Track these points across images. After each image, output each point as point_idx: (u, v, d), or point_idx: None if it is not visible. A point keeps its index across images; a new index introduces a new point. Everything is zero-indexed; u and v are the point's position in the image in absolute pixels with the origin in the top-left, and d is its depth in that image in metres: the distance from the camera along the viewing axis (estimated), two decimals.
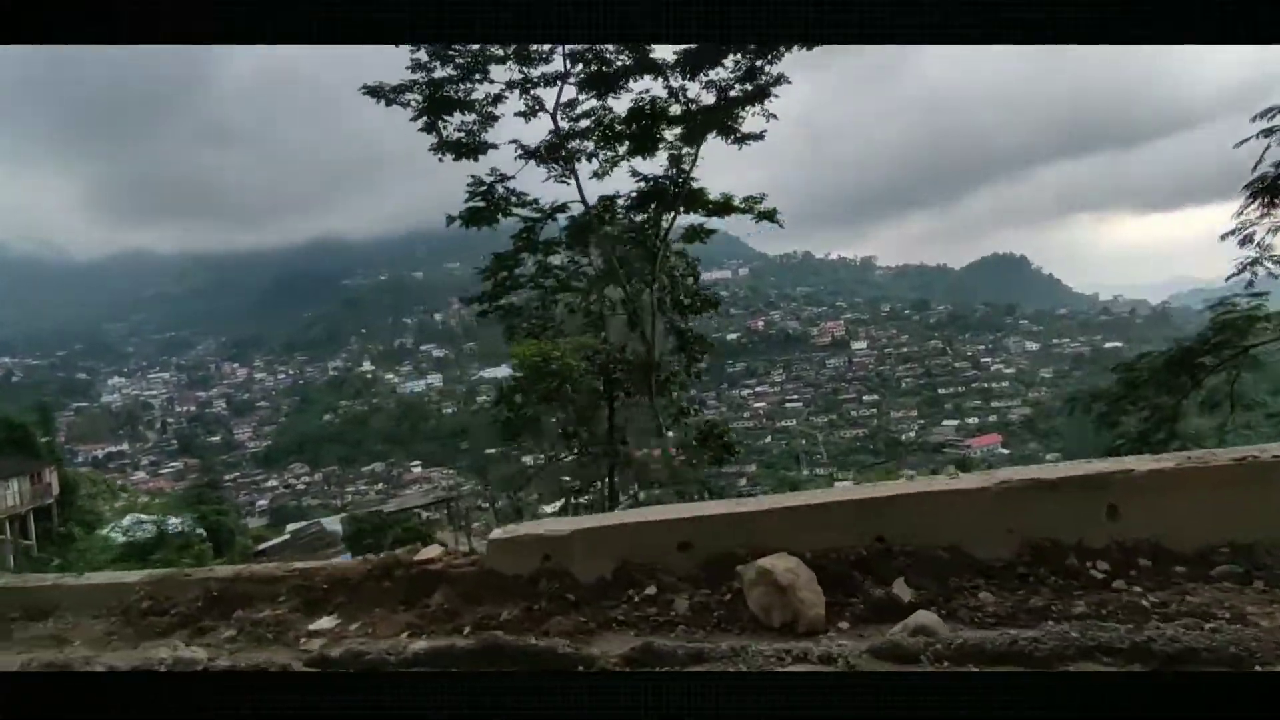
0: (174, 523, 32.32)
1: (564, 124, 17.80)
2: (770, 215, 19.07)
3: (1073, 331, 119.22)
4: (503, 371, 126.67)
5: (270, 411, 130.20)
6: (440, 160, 17.75)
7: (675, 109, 17.25)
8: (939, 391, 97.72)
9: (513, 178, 18.63)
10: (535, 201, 19.30)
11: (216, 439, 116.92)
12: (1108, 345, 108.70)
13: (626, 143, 17.98)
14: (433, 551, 3.85)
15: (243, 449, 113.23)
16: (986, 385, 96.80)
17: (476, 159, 17.88)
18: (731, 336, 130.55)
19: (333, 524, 36.80)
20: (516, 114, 17.64)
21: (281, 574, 3.84)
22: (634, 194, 19.01)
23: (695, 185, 18.90)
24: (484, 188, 18.55)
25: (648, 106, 17.06)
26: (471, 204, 18.74)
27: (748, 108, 17.10)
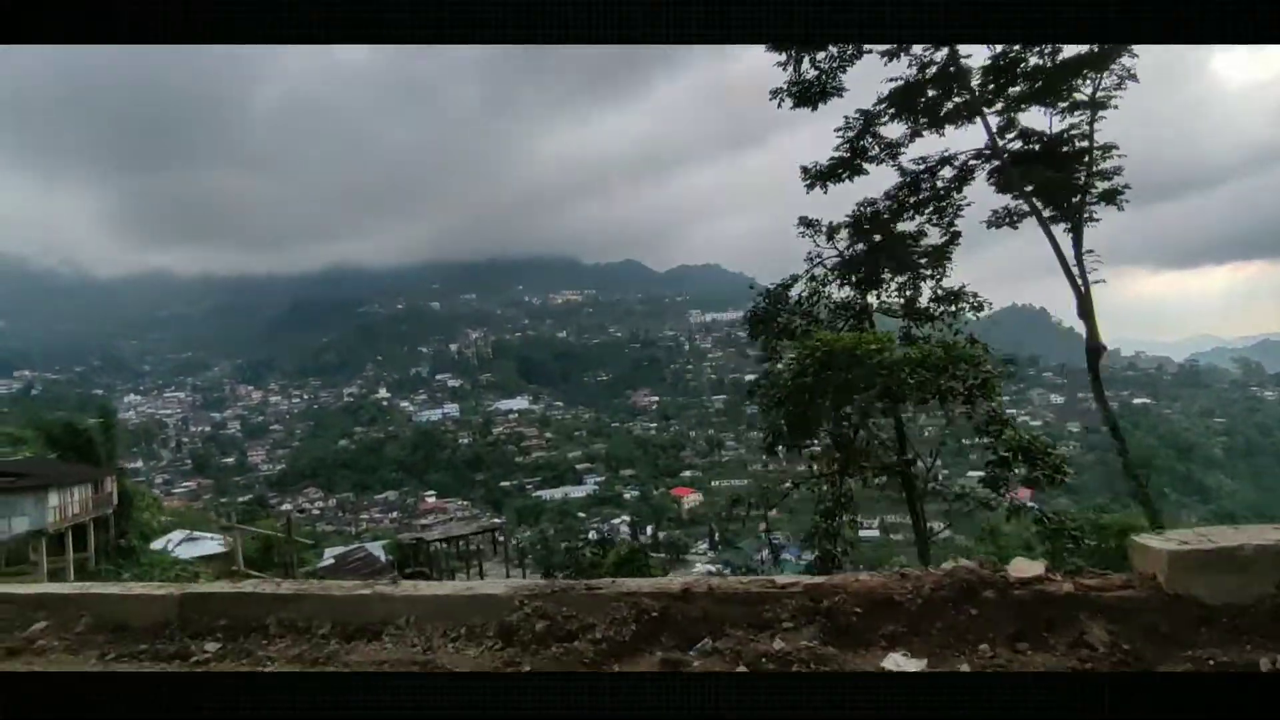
0: (215, 540, 31.44)
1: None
2: None
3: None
4: (519, 403, 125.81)
5: (284, 435, 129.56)
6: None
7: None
8: (962, 441, 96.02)
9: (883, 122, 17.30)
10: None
11: (230, 460, 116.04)
12: (1136, 401, 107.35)
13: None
14: (1033, 567, 2.94)
15: (256, 471, 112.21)
16: None
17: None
18: (750, 377, 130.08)
19: (375, 549, 35.69)
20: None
21: (757, 590, 2.93)
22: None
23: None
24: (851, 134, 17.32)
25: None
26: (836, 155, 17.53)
27: None
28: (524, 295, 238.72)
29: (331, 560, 31.57)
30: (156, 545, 31.93)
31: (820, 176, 17.86)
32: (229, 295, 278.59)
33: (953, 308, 18.01)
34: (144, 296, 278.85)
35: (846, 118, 17.39)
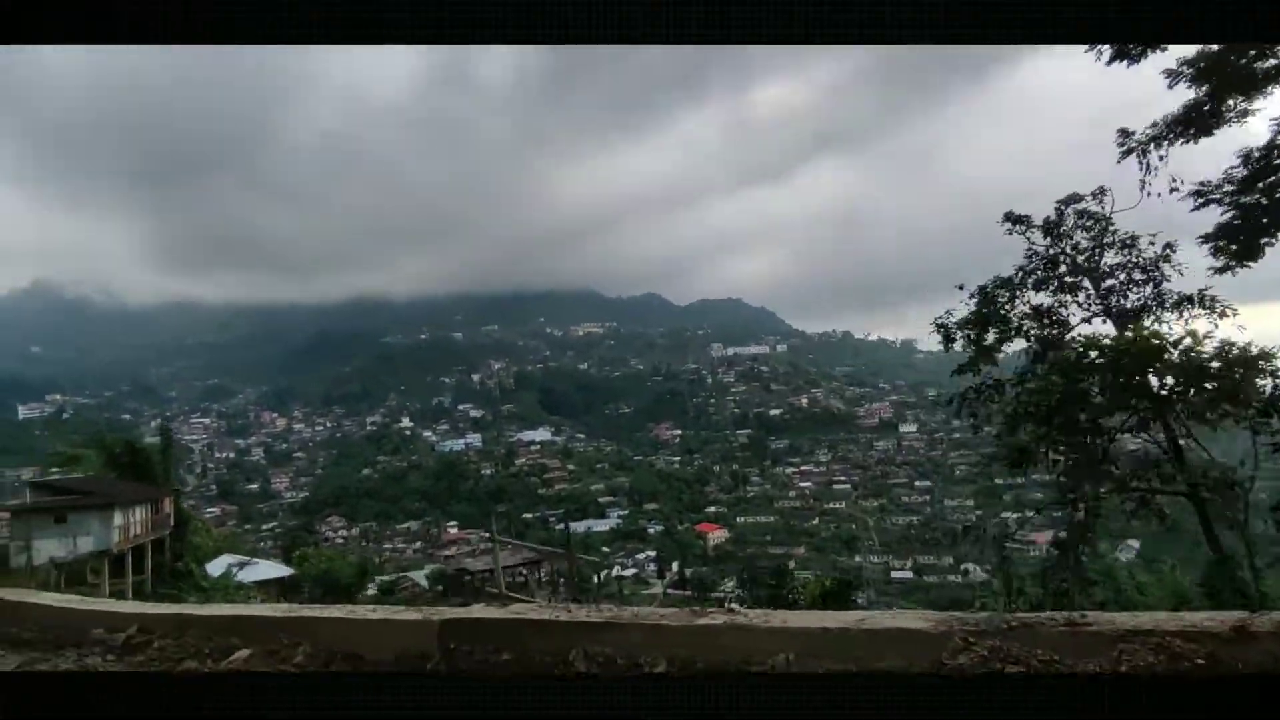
0: (271, 564, 30.94)
1: None
2: None
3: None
4: (541, 434, 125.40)
5: (306, 463, 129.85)
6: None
7: None
8: (995, 481, 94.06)
9: None
10: None
11: (254, 486, 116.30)
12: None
13: None
14: None
15: (279, 498, 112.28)
16: (1047, 478, 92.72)
17: None
18: (775, 412, 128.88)
19: (419, 577, 35.19)
20: None
21: (1130, 627, 2.60)
22: None
23: None
24: None
25: None
26: None
27: None
28: (545, 327, 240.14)
29: (373, 590, 31.01)
30: (213, 568, 31.52)
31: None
32: (255, 324, 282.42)
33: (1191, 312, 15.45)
34: (173, 324, 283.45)
35: None
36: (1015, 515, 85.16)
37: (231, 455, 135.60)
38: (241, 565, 31.28)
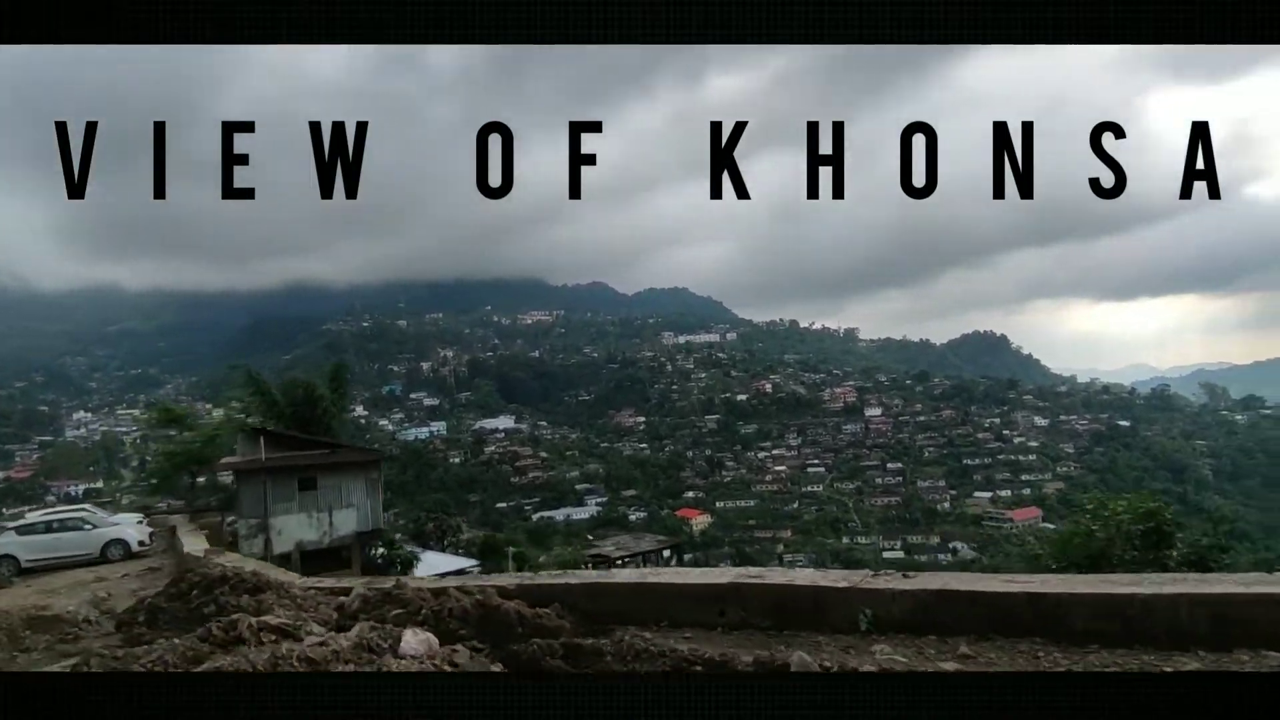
0: None
1: None
2: None
3: (1077, 409, 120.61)
4: (503, 422, 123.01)
5: None
6: None
7: None
8: (964, 462, 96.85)
9: None
10: None
11: (202, 480, 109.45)
12: (1121, 422, 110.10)
13: None
14: None
15: (227, 490, 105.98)
16: (1013, 458, 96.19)
17: None
18: (741, 397, 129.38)
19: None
20: None
21: None
22: None
23: None
24: None
25: None
26: None
27: None
28: (493, 315, 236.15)
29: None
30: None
31: None
32: (183, 310, 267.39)
33: None
34: (91, 310, 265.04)
35: None
36: (988, 495, 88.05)
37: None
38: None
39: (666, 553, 48.78)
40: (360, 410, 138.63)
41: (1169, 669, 2.59)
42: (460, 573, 27.38)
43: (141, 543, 18.31)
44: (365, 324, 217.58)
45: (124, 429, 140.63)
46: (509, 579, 6.79)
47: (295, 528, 21.94)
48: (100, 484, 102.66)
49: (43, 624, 8.34)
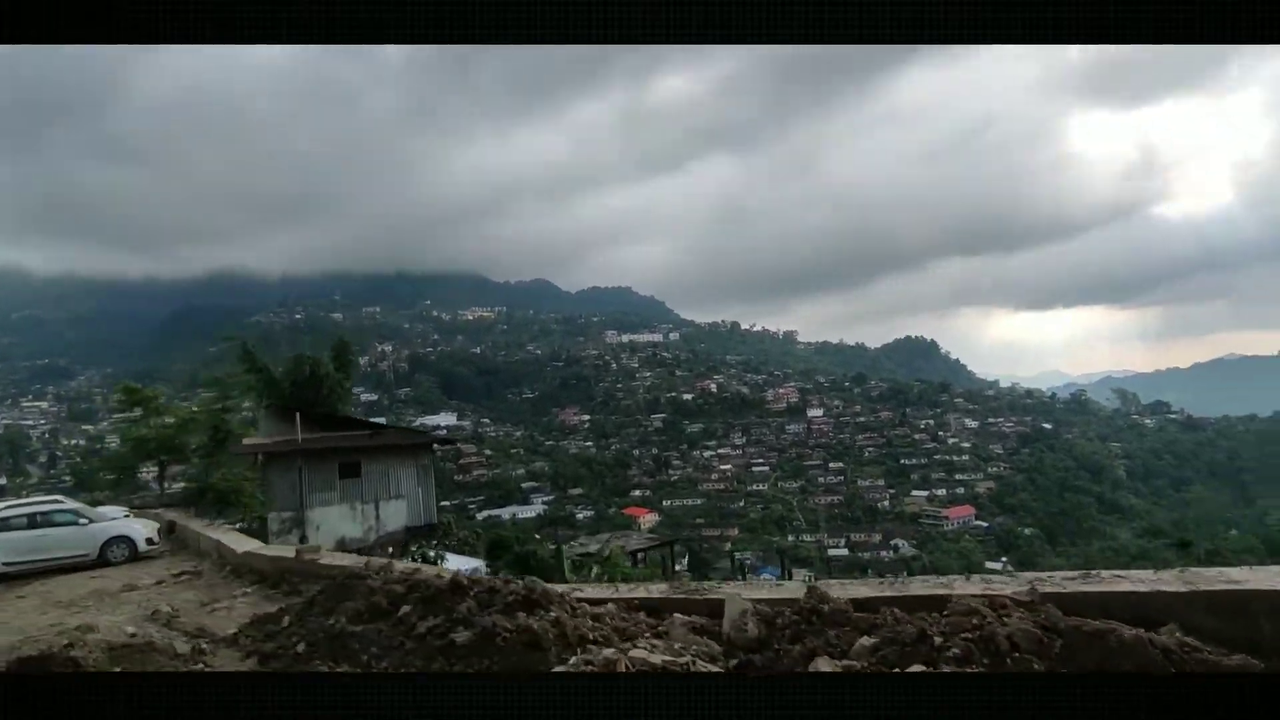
0: None
1: None
2: None
3: (1004, 411, 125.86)
4: (444, 419, 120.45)
5: None
6: None
7: None
8: (901, 462, 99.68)
9: None
10: None
11: (114, 477, 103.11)
12: (1044, 425, 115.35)
13: None
14: None
15: (149, 489, 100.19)
16: (947, 458, 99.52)
17: None
18: (686, 397, 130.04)
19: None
20: None
21: None
22: None
23: None
24: None
25: None
26: None
27: None
28: (432, 310, 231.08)
29: None
30: None
31: None
32: (98, 299, 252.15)
33: None
34: None
35: None
36: (925, 494, 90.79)
37: (81, 442, 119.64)
38: None
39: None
40: None
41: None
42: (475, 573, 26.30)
43: (150, 540, 15.43)
44: (298, 316, 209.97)
45: (30, 422, 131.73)
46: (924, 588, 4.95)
47: (337, 521, 19.36)
48: (3, 480, 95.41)
49: (131, 657, 5.74)
